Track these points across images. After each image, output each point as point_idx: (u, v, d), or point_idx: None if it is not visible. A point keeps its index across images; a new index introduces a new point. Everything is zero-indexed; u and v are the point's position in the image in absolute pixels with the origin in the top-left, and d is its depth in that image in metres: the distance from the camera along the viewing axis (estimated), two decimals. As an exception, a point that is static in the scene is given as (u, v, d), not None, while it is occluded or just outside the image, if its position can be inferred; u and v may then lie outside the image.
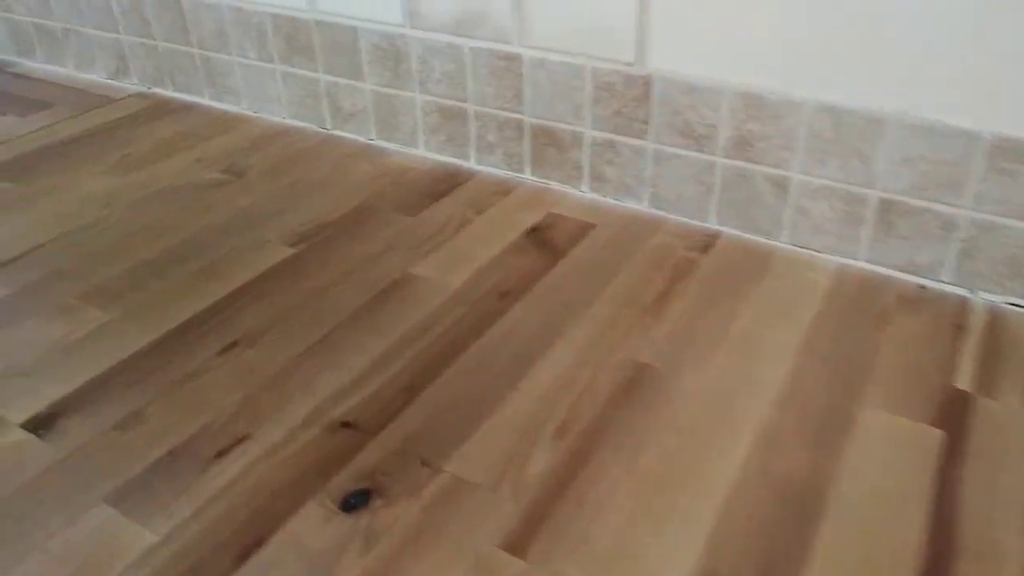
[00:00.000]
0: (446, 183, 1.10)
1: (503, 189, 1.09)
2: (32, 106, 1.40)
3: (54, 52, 1.55)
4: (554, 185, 1.09)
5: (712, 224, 0.99)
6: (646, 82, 0.96)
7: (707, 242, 0.96)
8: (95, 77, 1.51)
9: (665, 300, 0.85)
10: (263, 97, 1.31)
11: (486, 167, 1.14)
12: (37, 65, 1.58)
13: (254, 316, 0.84)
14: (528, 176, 1.11)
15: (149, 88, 1.45)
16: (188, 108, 1.37)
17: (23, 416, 0.72)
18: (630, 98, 0.98)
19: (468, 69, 1.08)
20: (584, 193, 1.07)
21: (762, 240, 0.96)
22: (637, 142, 1.00)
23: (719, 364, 0.76)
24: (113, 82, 1.49)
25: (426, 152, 1.18)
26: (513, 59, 1.04)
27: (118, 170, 1.16)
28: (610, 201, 1.05)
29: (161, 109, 1.37)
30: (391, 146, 1.21)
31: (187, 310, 0.85)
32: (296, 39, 1.21)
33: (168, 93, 1.43)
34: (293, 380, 0.75)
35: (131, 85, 1.47)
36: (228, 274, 0.91)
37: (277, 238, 0.98)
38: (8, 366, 0.78)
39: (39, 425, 0.71)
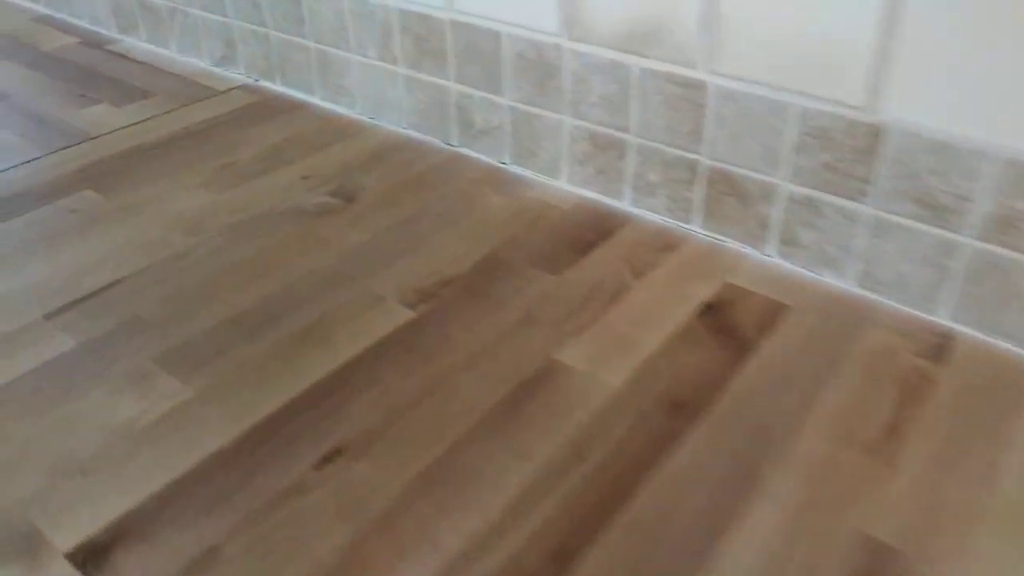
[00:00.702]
0: (595, 229, 0.91)
1: (665, 242, 0.88)
2: (129, 94, 1.26)
3: (158, 32, 1.42)
4: (729, 243, 0.88)
5: (942, 319, 0.77)
6: (876, 132, 0.74)
7: (939, 345, 0.74)
8: (199, 63, 1.37)
9: (896, 437, 0.64)
10: (382, 102, 1.14)
11: (643, 211, 0.94)
12: (139, 44, 1.46)
13: (361, 411, 0.67)
14: (697, 228, 0.90)
15: (256, 80, 1.30)
16: (297, 108, 1.21)
17: (71, 541, 0.56)
18: (850, 149, 0.76)
19: (634, 93, 0.88)
20: (768, 258, 0.86)
21: (1016, 351, 0.73)
22: (850, 204, 0.78)
23: (985, 550, 0.55)
24: (217, 70, 1.34)
25: (569, 185, 0.99)
26: (695, 87, 0.83)
27: (216, 184, 1.01)
28: (803, 273, 0.84)
29: (268, 107, 1.21)
30: (527, 174, 1.02)
31: (281, 393, 0.69)
32: (427, 40, 1.03)
33: (276, 88, 1.27)
34: (409, 522, 0.58)
35: (237, 75, 1.32)
36: (331, 342, 0.75)
37: (392, 293, 0.81)
38: (63, 456, 0.63)
39: (89, 557, 0.55)
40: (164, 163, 1.06)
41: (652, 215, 0.93)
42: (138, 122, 1.18)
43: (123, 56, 1.41)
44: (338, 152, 1.08)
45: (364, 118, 1.17)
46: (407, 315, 0.78)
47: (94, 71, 1.35)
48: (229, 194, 0.99)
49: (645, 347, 0.74)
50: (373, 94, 1.14)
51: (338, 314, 0.78)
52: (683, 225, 0.91)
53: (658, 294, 0.81)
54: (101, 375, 0.71)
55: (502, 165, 1.04)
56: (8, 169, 1.05)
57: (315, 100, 1.22)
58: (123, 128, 1.16)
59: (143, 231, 0.92)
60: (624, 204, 0.95)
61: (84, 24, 1.56)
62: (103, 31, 1.51)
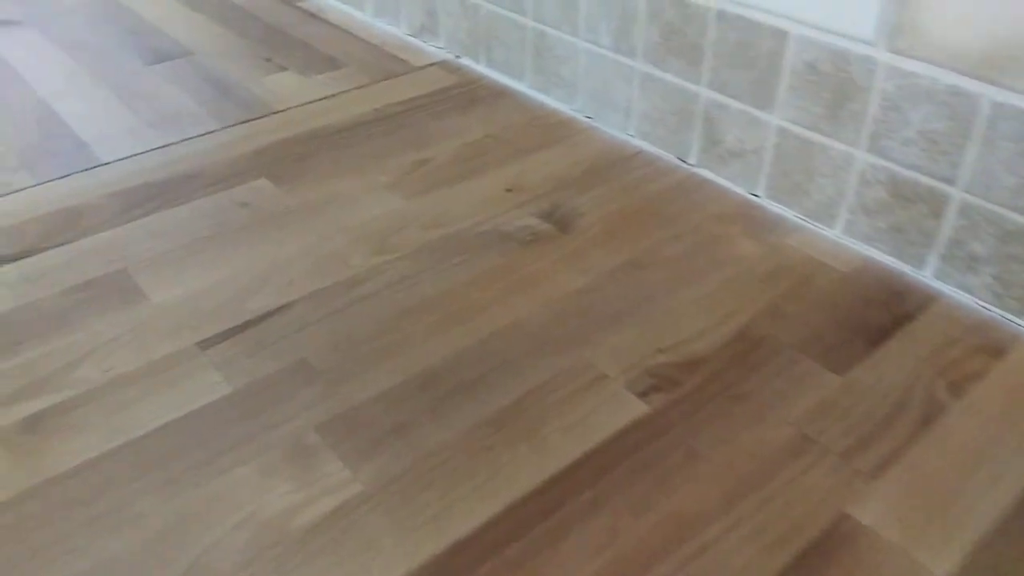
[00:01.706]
0: (887, 307, 0.68)
1: (989, 341, 0.65)
2: (318, 62, 1.13)
3: (355, -9, 1.28)
4: (1088, 356, 0.64)
5: None
6: None
7: None
8: (395, 31, 1.22)
9: None
10: (607, 101, 0.94)
11: (955, 290, 0.70)
12: (332, 3, 1.32)
13: (577, 561, 0.49)
14: (1036, 327, 0.66)
15: (457, 57, 1.13)
16: (502, 95, 1.03)
17: None
18: None
19: (976, 135, 0.64)
20: None
21: None
22: None
23: None
24: (415, 41, 1.19)
25: (848, 238, 0.76)
26: (1084, 138, 0.58)
27: (407, 185, 0.85)
28: None
29: (469, 91, 1.04)
30: (789, 214, 0.80)
31: (471, 511, 0.52)
32: (680, 32, 0.82)
33: (479, 68, 1.10)
34: None
35: (436, 49, 1.16)
36: (538, 437, 0.57)
37: (618, 370, 0.62)
38: (194, 561, 0.49)
39: None
40: (350, 153, 0.91)
41: (967, 298, 0.69)
42: (325, 97, 1.04)
43: (315, 16, 1.28)
44: (550, 159, 0.90)
45: (581, 116, 0.97)
46: (638, 408, 0.59)
47: (283, 32, 1.23)
48: (421, 202, 0.83)
49: (979, 515, 0.52)
50: (597, 89, 0.94)
51: (547, 393, 0.60)
52: (1015, 320, 0.67)
53: (988, 426, 0.58)
54: (254, 440, 0.57)
55: (754, 198, 0.83)
56: (182, 141, 0.94)
57: (523, 87, 1.04)
58: (308, 104, 1.02)
59: (320, 241, 0.77)
60: (926, 276, 0.72)
61: (279, -24, 1.44)
62: (297, -15, 1.39)
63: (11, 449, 0.57)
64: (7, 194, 0.84)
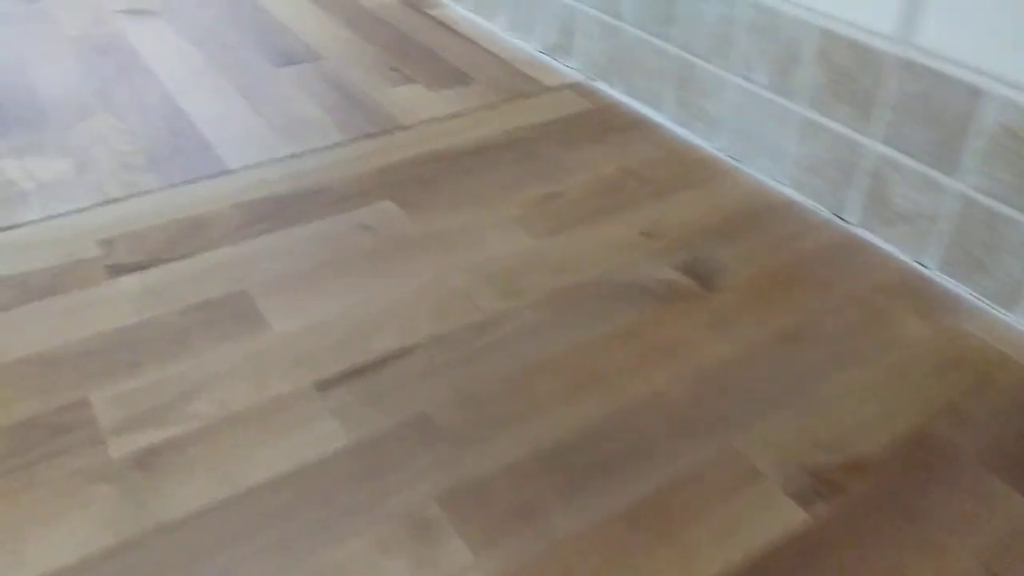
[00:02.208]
0: (1082, 418, 0.60)
1: None
2: (446, 76, 1.09)
3: (487, 1, 1.23)
4: None
5: None
6: None
7: None
8: (527, 46, 1.17)
9: None
10: (757, 143, 0.87)
11: None
12: (463, 12, 1.28)
13: None
14: None
15: (591, 79, 1.08)
16: (638, 125, 0.97)
17: None
18: None
19: None
20: None
21: None
22: None
23: None
24: (548, 58, 1.14)
25: (1033, 327, 0.68)
26: None
27: (537, 221, 0.80)
28: None
29: (603, 118, 0.99)
30: (965, 292, 0.72)
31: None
32: (851, 77, 0.75)
33: (615, 94, 1.04)
34: None
35: (569, 69, 1.10)
36: (681, 541, 0.51)
37: (773, 467, 0.56)
38: (307, 650, 0.45)
39: None
40: (477, 179, 0.87)
41: None
42: (452, 115, 0.99)
43: (444, 25, 1.24)
44: (690, 202, 0.83)
45: (725, 156, 0.90)
46: (796, 516, 0.52)
47: (411, 40, 1.19)
48: (551, 242, 0.78)
49: None
50: (746, 129, 0.87)
51: (690, 486, 0.54)
52: None
53: None
54: (372, 507, 0.53)
55: (922, 269, 0.74)
56: (307, 153, 0.91)
57: (662, 118, 0.98)
58: (435, 120, 0.98)
59: (445, 276, 0.73)
60: None
61: (408, -22, 1.41)
62: (427, -10, 1.36)
63: (122, 486, 0.54)
64: (134, 196, 0.83)
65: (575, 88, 1.06)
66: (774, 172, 0.86)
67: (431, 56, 1.14)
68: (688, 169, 0.89)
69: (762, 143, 0.86)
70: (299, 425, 0.58)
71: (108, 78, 1.06)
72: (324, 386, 0.62)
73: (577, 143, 0.94)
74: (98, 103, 1.00)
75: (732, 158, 0.90)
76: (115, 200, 0.82)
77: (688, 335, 0.67)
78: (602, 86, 1.06)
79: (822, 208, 0.82)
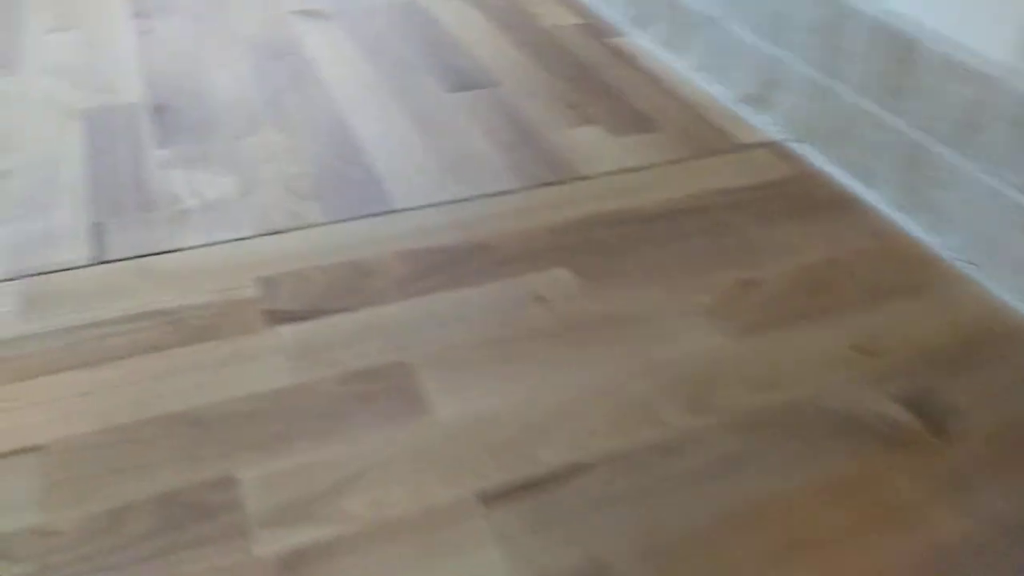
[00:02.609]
0: None
1: None
2: (628, 118, 1.00)
3: (677, 37, 1.14)
4: None
5: None
6: None
7: None
8: (719, 92, 1.07)
9: None
10: (1001, 254, 0.74)
11: None
12: (649, 46, 1.19)
13: None
14: None
15: (792, 141, 0.97)
16: (850, 204, 0.85)
17: None
18: None
19: None
20: None
21: None
22: None
23: None
24: (742, 109, 1.03)
25: None
26: None
27: (732, 315, 0.71)
28: None
29: (807, 191, 0.87)
30: None
31: None
32: None
33: (821, 163, 0.92)
34: None
35: (766, 125, 1.00)
36: None
37: None
38: None
39: None
40: (662, 253, 0.78)
41: None
42: (634, 168, 0.91)
43: (627, 59, 1.15)
44: (913, 313, 0.72)
45: (958, 261, 0.78)
46: None
47: (591, 72, 1.11)
48: (748, 344, 0.68)
49: None
50: (987, 232, 0.75)
51: None
52: None
53: None
54: (537, 673, 0.45)
55: None
56: (476, 198, 0.84)
57: (878, 200, 0.86)
58: (615, 173, 0.90)
59: (625, 375, 0.64)
60: None
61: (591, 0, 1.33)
62: (611, 16, 1.27)
63: (263, 597, 0.48)
64: (297, 229, 0.78)
65: (773, 149, 0.95)
66: (1020, 290, 0.73)
67: (612, 94, 1.05)
68: (910, 268, 0.77)
69: (1006, 253, 0.73)
70: (458, 548, 0.51)
71: (280, 88, 1.02)
72: (488, 499, 0.54)
73: (775, 218, 0.83)
74: (268, 115, 0.96)
75: (967, 263, 0.77)
76: (277, 231, 0.78)
77: (917, 498, 0.56)
78: (805, 150, 0.94)
79: (1078, 344, 0.69)
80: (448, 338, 0.67)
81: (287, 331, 0.67)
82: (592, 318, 0.70)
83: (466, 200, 0.84)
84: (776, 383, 0.64)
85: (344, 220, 0.80)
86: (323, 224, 0.79)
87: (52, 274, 0.72)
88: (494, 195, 0.85)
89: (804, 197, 0.87)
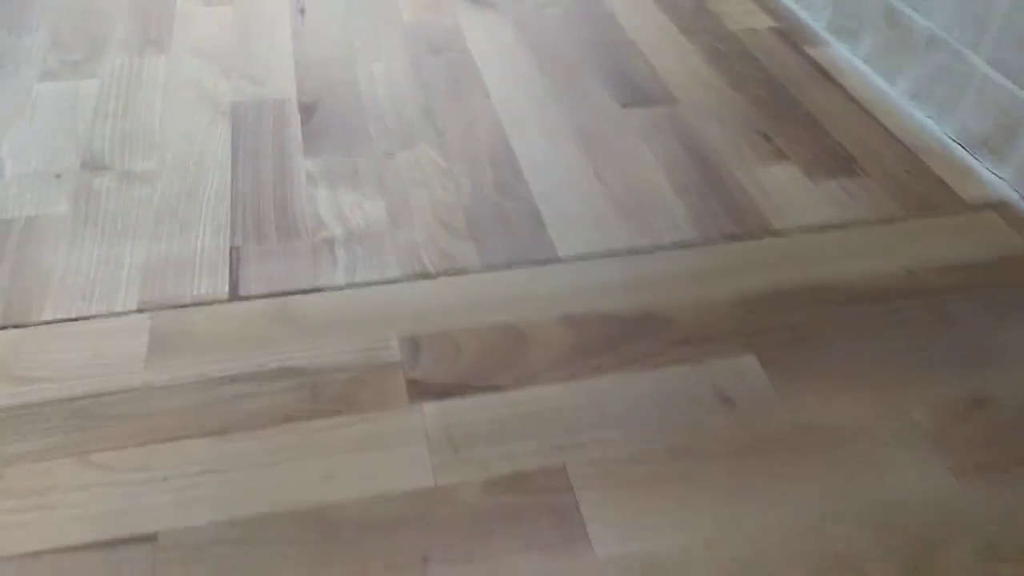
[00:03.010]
0: None
1: None
2: (828, 156, 0.85)
3: (893, 53, 0.97)
4: None
5: None
6: None
7: None
8: (939, 130, 0.91)
9: None
10: None
11: None
12: (851, 60, 1.02)
13: None
14: None
15: (1032, 204, 0.81)
16: (1103, 299, 0.70)
17: None
18: None
19: None
20: None
21: None
22: None
23: None
24: (967, 155, 0.87)
25: None
26: None
27: (958, 446, 0.57)
28: None
29: (1045, 271, 0.73)
30: None
31: None
32: None
33: (1067, 236, 0.77)
34: None
35: (995, 177, 0.83)
36: None
37: None
38: None
39: None
40: (873, 346, 0.65)
41: None
42: (838, 225, 0.77)
43: (826, 74, 1.00)
44: None
45: None
46: None
47: (785, 92, 0.96)
48: (978, 490, 0.55)
49: None
50: None
51: None
52: None
53: None
54: None
55: None
56: (650, 249, 0.73)
57: None
58: (816, 230, 0.76)
59: (825, 517, 0.53)
60: None
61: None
62: (809, 20, 1.11)
63: None
64: (448, 275, 0.70)
65: (1005, 212, 0.79)
66: None
67: (809, 121, 0.91)
68: None
69: None
70: None
71: (438, 91, 0.93)
72: None
73: (1012, 310, 0.69)
74: (423, 125, 0.87)
75: None
76: (427, 276, 0.70)
77: None
78: (1048, 220, 0.78)
79: None
80: (615, 441, 0.57)
81: (431, 410, 0.59)
82: (784, 430, 0.59)
83: (640, 252, 0.73)
84: (1014, 550, 0.52)
85: (500, 268, 0.71)
86: (477, 271, 0.70)
87: (185, 308, 0.66)
88: (671, 248, 0.74)
89: (1049, 285, 0.72)
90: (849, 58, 1.03)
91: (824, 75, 1.00)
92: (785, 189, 0.81)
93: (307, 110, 0.89)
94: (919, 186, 0.82)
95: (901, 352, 0.65)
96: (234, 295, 0.67)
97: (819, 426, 0.59)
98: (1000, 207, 0.80)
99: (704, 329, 0.66)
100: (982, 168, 0.85)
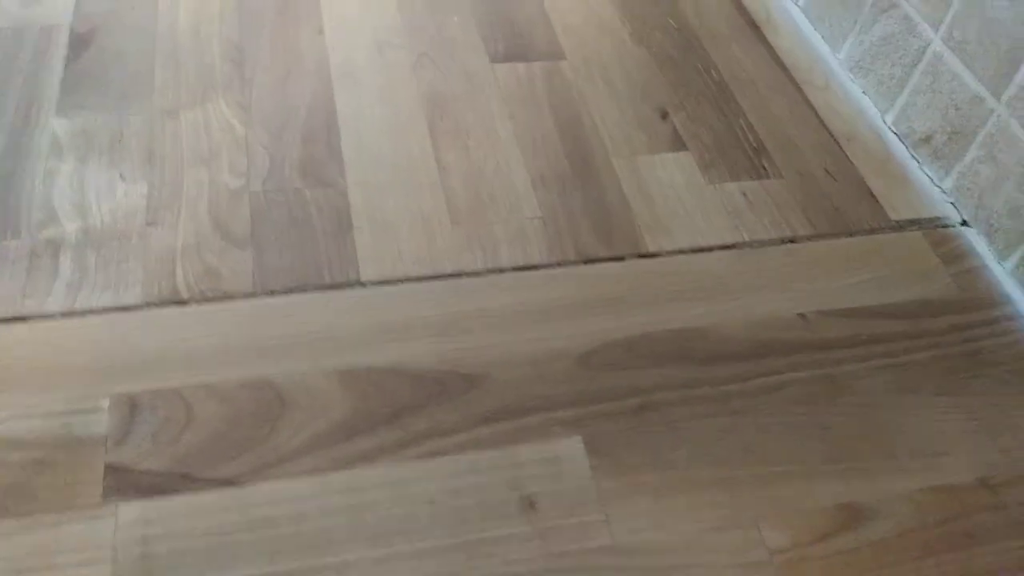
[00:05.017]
0: None
1: None
2: (735, 147, 0.67)
3: (830, 6, 0.78)
4: None
5: None
6: None
7: None
8: (876, 114, 0.74)
9: None
10: None
11: None
12: (795, 17, 0.84)
13: None
14: None
15: (962, 223, 0.65)
16: (1035, 369, 0.56)
17: None
18: None
19: None
20: None
21: None
22: None
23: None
24: (905, 151, 0.70)
25: None
26: None
27: None
28: None
29: (979, 322, 0.58)
30: None
31: None
32: None
33: (1001, 268, 0.62)
34: None
35: (934, 187, 0.68)
36: None
37: None
38: None
39: None
40: (715, 425, 0.51)
41: None
42: (729, 245, 0.61)
43: (755, 24, 0.80)
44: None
45: None
46: None
47: (699, 44, 0.77)
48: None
49: None
50: None
51: None
52: None
53: None
54: None
55: None
56: (473, 274, 0.57)
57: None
58: (700, 254, 0.60)
59: None
60: None
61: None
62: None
63: None
64: (207, 300, 0.53)
65: (935, 236, 0.64)
66: None
67: (720, 91, 0.73)
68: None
69: None
70: None
71: (260, 22, 0.73)
72: None
73: (923, 384, 0.54)
74: (227, 72, 0.68)
75: None
76: (178, 301, 0.53)
77: None
78: (979, 243, 0.63)
79: None
80: (364, 570, 0.43)
81: (129, 514, 0.44)
82: (596, 547, 0.45)
83: (467, 275, 0.57)
84: None
85: (278, 293, 0.54)
86: (245, 296, 0.54)
87: None
88: (510, 270, 0.58)
89: (971, 337, 0.57)
90: (788, 8, 0.84)
91: (752, 27, 0.81)
92: (671, 191, 0.65)
93: (78, 43, 0.69)
94: (836, 194, 0.66)
95: (771, 439, 0.51)
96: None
97: (642, 545, 0.45)
98: (930, 229, 0.64)
99: (523, 395, 0.51)
100: (919, 172, 0.69)
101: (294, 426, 0.48)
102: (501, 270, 0.58)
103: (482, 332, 0.54)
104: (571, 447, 0.49)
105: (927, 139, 0.69)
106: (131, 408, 0.48)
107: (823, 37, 0.80)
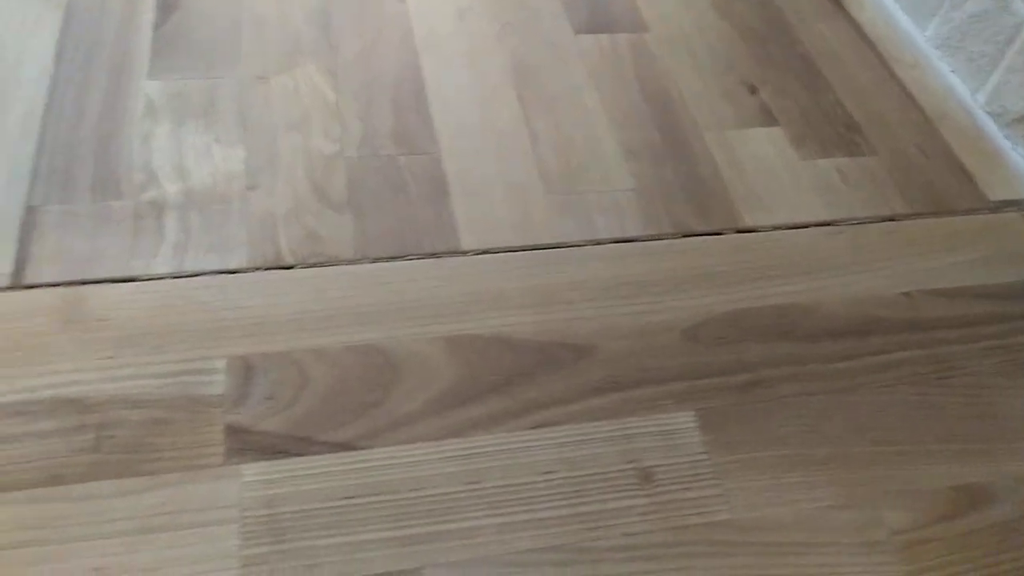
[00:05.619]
0: None
1: None
2: (826, 123, 0.67)
3: (920, -23, 0.77)
4: None
5: None
6: None
7: None
8: (967, 92, 0.73)
9: None
10: None
11: None
12: (873, -21, 0.83)
13: None
14: None
15: (1068, 209, 0.64)
16: None
17: None
18: None
19: None
20: None
21: None
22: None
23: None
24: (999, 133, 0.69)
25: None
26: None
27: (921, 553, 0.45)
28: None
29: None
30: None
31: None
32: None
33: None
34: None
35: (1032, 170, 0.67)
36: None
37: None
38: None
39: None
40: (847, 413, 0.50)
41: None
42: (826, 222, 0.60)
43: (842, 8, 0.80)
44: None
45: None
46: None
47: (784, 19, 0.76)
48: (959, 645, 0.43)
49: None
50: None
51: None
52: None
53: None
54: None
55: None
56: (578, 245, 0.57)
57: None
58: (796, 230, 0.60)
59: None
60: None
61: None
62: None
63: None
64: (311, 264, 0.53)
65: (1035, 218, 0.63)
66: None
67: (807, 67, 0.72)
68: None
69: None
70: None
71: None
72: None
73: (1027, 364, 0.54)
74: (314, 38, 0.67)
75: None
76: (282, 265, 0.53)
77: None
78: (1087, 234, 0.62)
79: None
80: (485, 537, 0.43)
81: (252, 474, 0.44)
82: (727, 537, 0.45)
83: (564, 246, 0.57)
84: None
85: (381, 259, 0.54)
86: (348, 262, 0.54)
87: None
88: (607, 243, 0.57)
89: (1077, 326, 0.56)
90: (869, -18, 0.83)
91: (836, 3, 0.80)
92: (765, 165, 0.64)
93: (166, 6, 0.68)
94: (932, 172, 0.65)
95: (883, 417, 0.50)
96: (18, 280, 0.51)
97: (761, 522, 0.45)
98: (1027, 209, 0.64)
99: (632, 368, 0.51)
100: (1014, 153, 0.68)
101: (405, 391, 0.48)
102: (599, 242, 0.57)
103: (583, 303, 0.54)
104: (683, 421, 0.49)
105: (1021, 119, 0.68)
106: (246, 369, 0.48)
107: (908, 14, 0.79)
